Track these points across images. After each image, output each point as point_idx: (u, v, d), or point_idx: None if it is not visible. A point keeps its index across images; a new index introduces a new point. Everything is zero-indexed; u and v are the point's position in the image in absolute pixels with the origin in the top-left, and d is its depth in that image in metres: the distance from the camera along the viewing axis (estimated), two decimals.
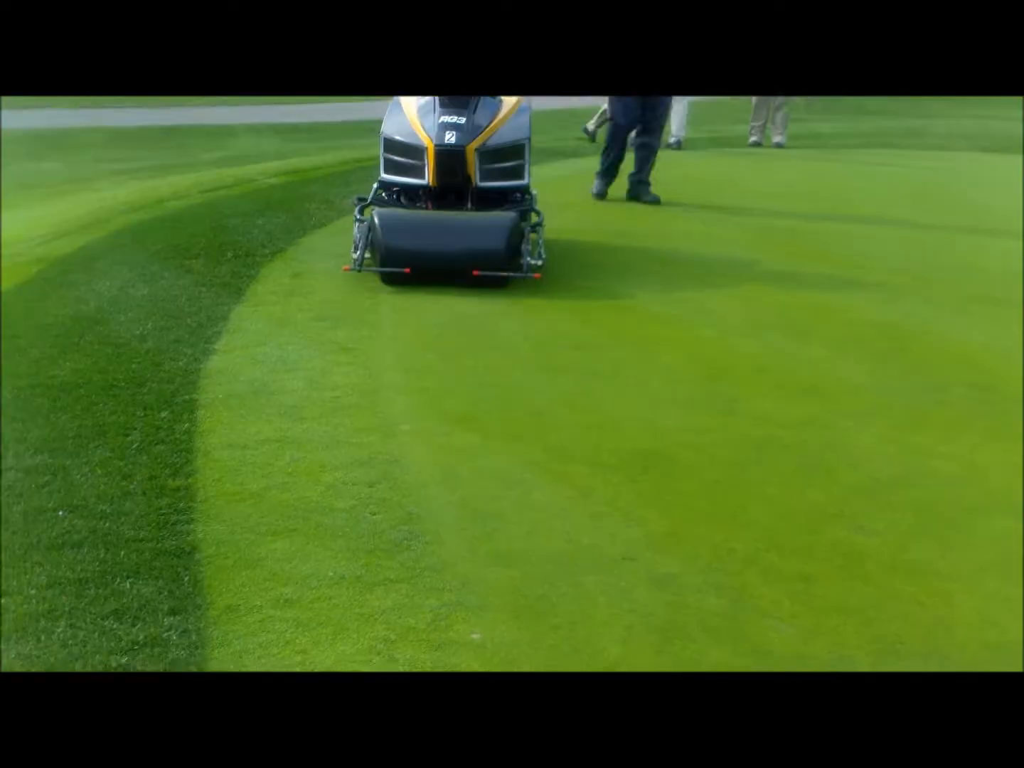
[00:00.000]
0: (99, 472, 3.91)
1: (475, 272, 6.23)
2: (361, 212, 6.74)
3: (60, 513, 3.61)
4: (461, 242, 6.37)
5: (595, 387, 4.91)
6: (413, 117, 6.90)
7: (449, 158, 6.68)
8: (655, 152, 9.49)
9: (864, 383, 5.04)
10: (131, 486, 3.81)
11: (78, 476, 3.87)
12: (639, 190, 9.42)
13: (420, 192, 6.93)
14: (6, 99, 20.88)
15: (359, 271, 6.26)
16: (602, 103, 13.40)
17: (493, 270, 6.28)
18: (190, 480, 3.88)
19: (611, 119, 9.81)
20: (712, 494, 3.91)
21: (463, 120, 6.74)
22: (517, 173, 6.95)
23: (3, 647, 2.91)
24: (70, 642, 2.93)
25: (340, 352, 5.23)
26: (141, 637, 2.95)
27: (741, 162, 12.24)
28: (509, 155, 6.89)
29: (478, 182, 6.79)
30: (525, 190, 7.08)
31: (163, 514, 3.62)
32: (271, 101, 20.96)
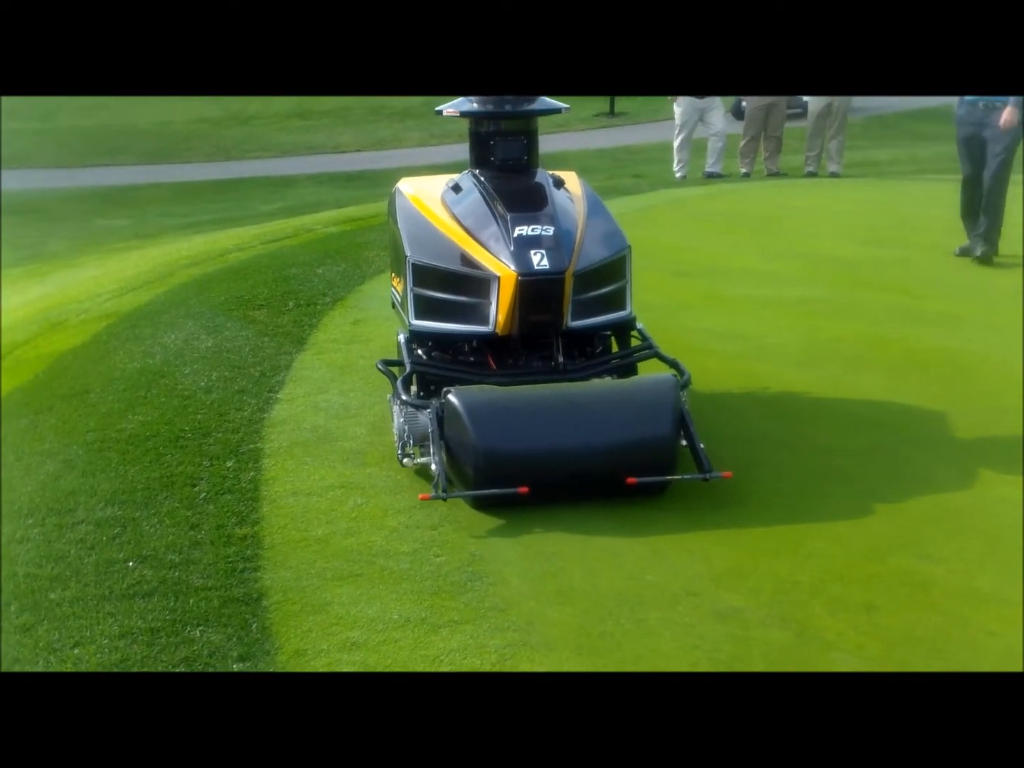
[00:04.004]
0: (168, 522, 3.99)
1: (630, 480, 3.97)
2: (406, 388, 4.40)
3: (131, 564, 3.70)
4: (603, 433, 4.05)
5: None
6: (455, 229, 4.56)
7: (542, 292, 4.34)
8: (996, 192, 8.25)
9: (926, 410, 5.00)
10: (199, 535, 3.89)
11: (148, 527, 3.96)
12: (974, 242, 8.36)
13: (472, 344, 4.63)
14: (74, 158, 21.43)
15: (444, 499, 4.00)
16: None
17: (657, 471, 4.06)
18: (256, 528, 3.95)
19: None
20: (775, 527, 3.90)
21: (550, 230, 4.40)
22: (618, 300, 4.64)
23: None
24: None
25: None
26: None
27: (797, 192, 12.20)
28: (610, 275, 4.60)
29: (569, 322, 4.46)
30: (628, 325, 4.79)
31: (230, 562, 3.70)
32: (328, 150, 21.31)
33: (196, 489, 4.27)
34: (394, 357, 4.77)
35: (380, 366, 4.70)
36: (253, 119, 24.87)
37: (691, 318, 6.61)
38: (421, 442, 4.22)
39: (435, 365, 4.58)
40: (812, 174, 13.57)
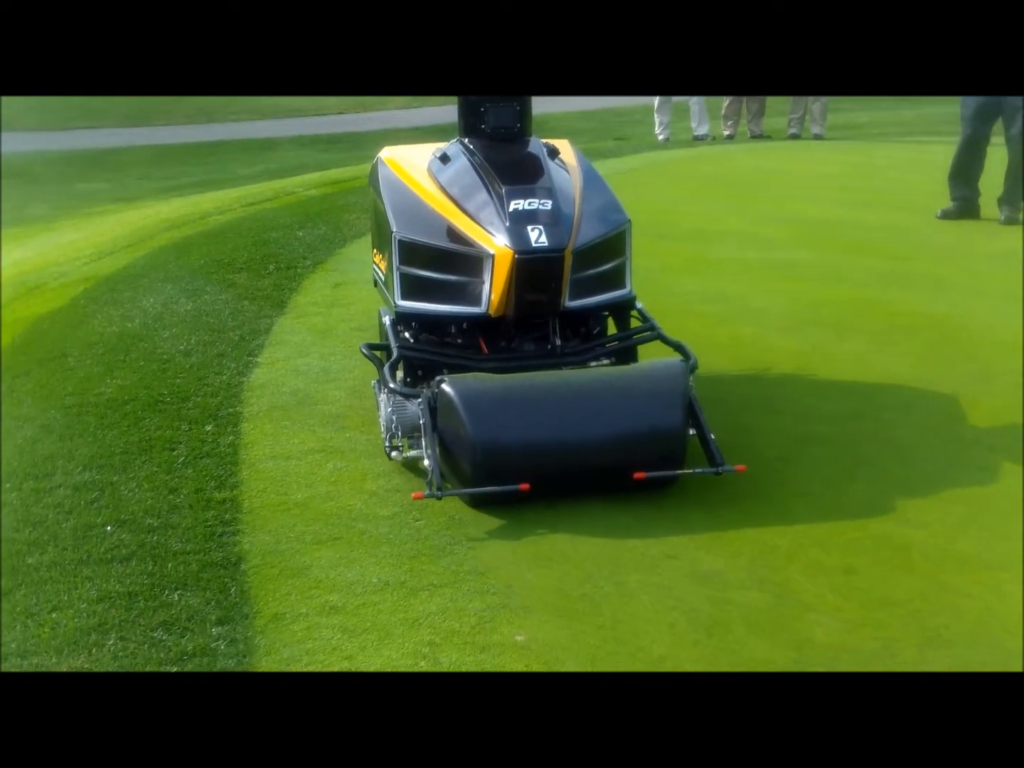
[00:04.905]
0: (146, 487, 3.97)
1: (638, 475, 3.73)
2: (393, 374, 4.06)
3: (108, 528, 3.68)
4: (609, 424, 3.80)
5: None
6: (445, 203, 4.25)
7: (540, 271, 4.05)
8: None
9: (908, 375, 4.99)
10: (178, 500, 3.87)
11: (126, 491, 3.94)
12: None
13: (462, 326, 4.30)
14: (52, 121, 21.26)
15: (439, 498, 3.70)
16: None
17: (666, 464, 3.80)
18: (235, 492, 3.94)
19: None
20: (755, 491, 3.89)
21: (547, 204, 4.10)
22: (618, 278, 4.33)
23: (55, 661, 2.96)
24: (120, 654, 2.98)
25: None
26: (190, 648, 3.00)
27: (780, 155, 12.17)
28: (609, 252, 4.29)
29: (567, 301, 4.18)
30: (628, 305, 4.46)
31: (209, 526, 3.68)
32: (310, 113, 21.18)
33: (175, 453, 4.24)
34: (374, 322, 4.72)
35: (364, 350, 4.37)
36: None
37: (674, 281, 6.58)
38: (410, 433, 3.94)
39: (424, 349, 4.25)
40: (795, 136, 13.56)
